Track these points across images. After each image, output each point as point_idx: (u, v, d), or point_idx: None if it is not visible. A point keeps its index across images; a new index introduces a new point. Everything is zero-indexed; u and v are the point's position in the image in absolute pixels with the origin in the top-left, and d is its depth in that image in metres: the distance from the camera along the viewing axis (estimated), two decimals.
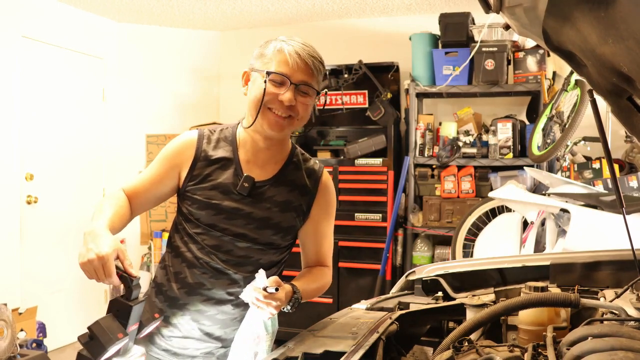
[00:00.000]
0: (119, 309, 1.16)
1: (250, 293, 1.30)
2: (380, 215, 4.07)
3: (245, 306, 1.49)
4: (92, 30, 4.61)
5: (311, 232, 1.59)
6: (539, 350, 1.02)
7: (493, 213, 3.67)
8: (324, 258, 1.62)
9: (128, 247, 4.84)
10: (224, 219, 1.47)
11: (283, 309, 1.36)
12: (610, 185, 3.19)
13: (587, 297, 1.33)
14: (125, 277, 1.18)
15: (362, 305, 1.54)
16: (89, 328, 1.11)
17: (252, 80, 1.47)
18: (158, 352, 1.51)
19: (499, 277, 1.57)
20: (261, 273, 1.32)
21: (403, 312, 1.41)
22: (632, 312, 1.15)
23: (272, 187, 1.51)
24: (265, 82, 1.40)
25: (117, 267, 1.18)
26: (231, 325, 1.50)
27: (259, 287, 1.29)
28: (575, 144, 3.66)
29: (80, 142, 4.53)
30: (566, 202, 3.04)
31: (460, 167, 3.98)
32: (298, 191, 1.54)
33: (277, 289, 1.30)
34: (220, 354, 1.51)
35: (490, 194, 3.48)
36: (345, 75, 4.22)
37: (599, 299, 1.29)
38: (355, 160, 4.14)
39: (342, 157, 4.25)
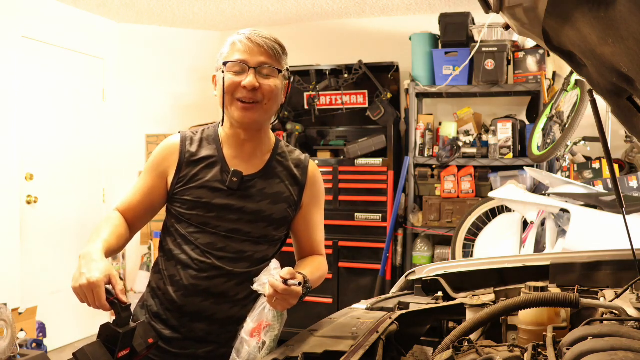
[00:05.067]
0: (108, 334, 1.16)
1: (266, 284, 1.25)
2: (380, 215, 4.07)
3: (243, 305, 1.49)
4: (92, 30, 4.61)
5: (303, 222, 1.58)
6: (539, 350, 1.02)
7: (493, 213, 3.67)
8: (318, 247, 1.61)
9: (128, 247, 4.84)
10: (216, 216, 1.47)
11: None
12: (610, 185, 3.19)
13: (587, 297, 1.33)
14: (115, 303, 1.19)
15: (362, 305, 1.53)
16: (74, 354, 1.11)
17: (217, 80, 1.50)
18: (158, 355, 1.49)
19: (499, 277, 1.57)
20: (275, 263, 1.29)
21: (403, 312, 1.41)
22: (632, 312, 1.15)
23: (260, 180, 1.51)
24: (222, 72, 1.45)
25: (109, 292, 1.19)
26: (230, 324, 1.49)
27: (277, 278, 1.24)
28: (575, 144, 3.66)
29: (80, 142, 4.53)
30: (566, 202, 3.04)
31: (460, 167, 3.98)
32: (288, 182, 1.54)
33: (300, 284, 1.25)
34: (220, 354, 1.51)
35: (490, 194, 3.48)
36: (345, 75, 4.22)
37: (599, 299, 1.29)
38: (355, 160, 4.14)
39: (342, 157, 4.25)
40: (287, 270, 1.27)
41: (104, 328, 1.17)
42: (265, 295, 1.28)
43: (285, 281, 1.23)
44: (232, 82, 1.44)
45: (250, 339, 1.27)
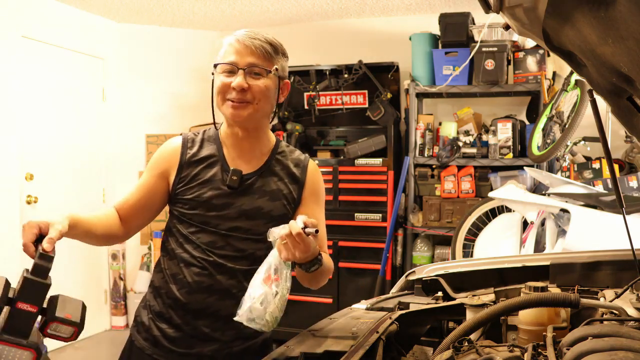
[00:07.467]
0: (20, 279, 1.10)
1: (281, 229, 1.25)
2: (380, 215, 4.07)
3: None
4: (92, 30, 4.61)
5: None
6: (539, 350, 1.02)
7: (493, 213, 3.67)
8: (321, 244, 1.61)
9: (128, 248, 4.84)
10: (216, 214, 1.48)
11: (302, 267, 1.32)
12: (610, 185, 3.19)
13: (587, 297, 1.33)
14: (36, 250, 1.13)
15: (362, 305, 1.54)
16: None
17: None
18: (163, 355, 1.50)
19: (499, 277, 1.57)
20: (303, 217, 1.29)
21: (403, 312, 1.41)
22: (632, 312, 1.15)
23: (259, 178, 1.53)
24: (212, 74, 1.49)
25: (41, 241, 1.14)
26: (234, 321, 1.49)
27: (300, 224, 1.23)
28: (575, 144, 3.66)
29: (80, 142, 4.53)
30: (566, 202, 3.04)
31: (460, 167, 3.98)
32: (287, 180, 1.56)
33: (317, 231, 1.24)
34: (226, 352, 1.51)
35: (490, 194, 3.48)
36: (345, 75, 4.22)
37: (599, 299, 1.29)
38: (355, 160, 4.14)
39: (342, 157, 4.25)
40: (311, 220, 1.26)
41: (22, 274, 1.10)
42: (274, 247, 1.28)
43: (304, 227, 1.24)
44: (222, 84, 1.47)
45: (264, 285, 1.25)
